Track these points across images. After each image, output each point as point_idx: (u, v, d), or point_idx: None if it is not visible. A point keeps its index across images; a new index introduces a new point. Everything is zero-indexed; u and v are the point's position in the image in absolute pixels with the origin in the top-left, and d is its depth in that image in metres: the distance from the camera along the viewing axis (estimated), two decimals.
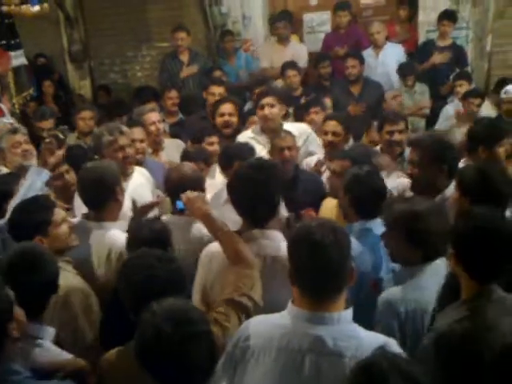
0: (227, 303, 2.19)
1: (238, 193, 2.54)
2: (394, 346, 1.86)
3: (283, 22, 6.86)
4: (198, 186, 3.07)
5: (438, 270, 2.46)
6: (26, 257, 2.37)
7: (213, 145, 4.39)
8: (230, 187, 2.62)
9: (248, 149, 3.82)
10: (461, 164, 3.41)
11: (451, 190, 3.09)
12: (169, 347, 1.76)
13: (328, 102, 5.51)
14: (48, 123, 5.30)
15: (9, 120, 5.00)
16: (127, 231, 2.89)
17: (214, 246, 2.55)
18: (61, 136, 3.38)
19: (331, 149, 4.15)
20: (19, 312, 2.12)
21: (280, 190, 2.55)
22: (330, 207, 3.52)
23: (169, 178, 3.28)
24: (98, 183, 3.07)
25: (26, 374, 2.03)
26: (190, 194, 2.66)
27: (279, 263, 2.38)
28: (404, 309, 2.36)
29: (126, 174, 3.70)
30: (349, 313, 1.91)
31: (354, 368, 1.59)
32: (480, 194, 2.73)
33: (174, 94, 5.95)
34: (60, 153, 3.38)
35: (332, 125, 4.22)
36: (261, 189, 2.46)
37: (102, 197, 3.09)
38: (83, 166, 3.31)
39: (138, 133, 4.17)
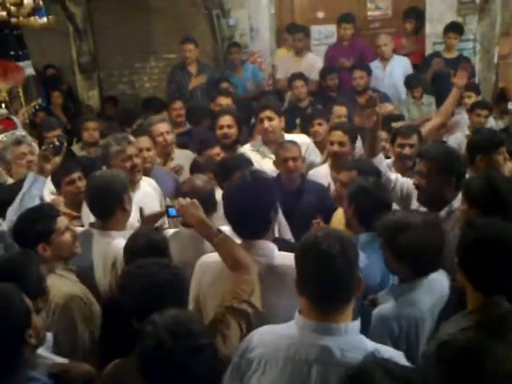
0: (227, 311, 2.17)
1: (228, 207, 2.48)
2: (400, 358, 1.85)
3: (300, 35, 6.92)
4: (210, 197, 3.05)
5: (433, 285, 2.44)
6: None
7: (216, 156, 4.43)
8: (223, 201, 2.55)
9: (245, 160, 3.85)
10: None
11: (458, 201, 3.07)
12: (170, 360, 1.75)
13: (343, 110, 5.42)
14: (56, 133, 5.32)
15: (21, 132, 5.05)
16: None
17: (209, 257, 2.51)
18: (56, 143, 3.39)
19: (336, 159, 4.14)
20: (37, 319, 2.14)
21: (273, 204, 2.47)
22: (340, 218, 3.50)
23: (180, 190, 3.27)
24: (105, 192, 3.07)
25: (45, 380, 2.04)
26: (182, 200, 2.62)
27: (273, 273, 2.36)
28: (397, 325, 2.34)
29: (134, 183, 3.71)
30: (356, 324, 1.90)
31: (345, 374, 1.59)
32: (488, 205, 2.71)
33: (178, 105, 5.95)
34: (57, 159, 3.41)
35: (338, 135, 4.20)
36: (251, 203, 2.39)
37: (109, 205, 3.08)
38: (91, 174, 3.33)
39: (144, 142, 4.18)
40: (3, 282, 2.09)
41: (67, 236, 2.84)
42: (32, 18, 5.16)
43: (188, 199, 2.60)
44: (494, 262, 2.09)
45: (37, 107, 5.99)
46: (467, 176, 3.30)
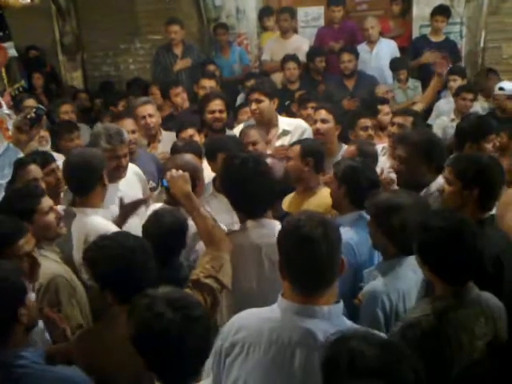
0: (193, 284, 2.21)
1: (231, 188, 2.55)
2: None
3: (286, 15, 6.86)
4: (195, 175, 3.03)
5: (415, 264, 2.43)
6: None
7: (190, 138, 4.35)
8: (223, 182, 2.61)
9: (235, 141, 3.86)
10: None
11: (436, 184, 3.07)
12: (166, 332, 1.77)
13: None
14: (29, 103, 5.16)
15: (6, 111, 4.99)
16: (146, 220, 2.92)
17: None
18: (33, 115, 3.34)
19: (319, 137, 4.17)
20: (33, 302, 2.13)
21: (274, 182, 2.58)
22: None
23: (165, 168, 3.25)
24: (83, 168, 3.05)
25: (34, 359, 2.03)
26: (174, 172, 2.67)
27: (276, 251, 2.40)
28: (388, 299, 2.40)
29: (116, 178, 3.57)
30: (339, 306, 1.91)
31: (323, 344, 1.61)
32: (481, 183, 2.65)
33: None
34: (34, 132, 3.38)
35: (322, 113, 4.28)
36: (256, 184, 2.48)
37: (88, 182, 3.07)
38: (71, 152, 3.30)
39: (128, 124, 4.13)
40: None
41: (51, 216, 2.82)
42: None
43: (180, 171, 2.63)
44: (454, 256, 2.11)
45: (20, 89, 5.92)
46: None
